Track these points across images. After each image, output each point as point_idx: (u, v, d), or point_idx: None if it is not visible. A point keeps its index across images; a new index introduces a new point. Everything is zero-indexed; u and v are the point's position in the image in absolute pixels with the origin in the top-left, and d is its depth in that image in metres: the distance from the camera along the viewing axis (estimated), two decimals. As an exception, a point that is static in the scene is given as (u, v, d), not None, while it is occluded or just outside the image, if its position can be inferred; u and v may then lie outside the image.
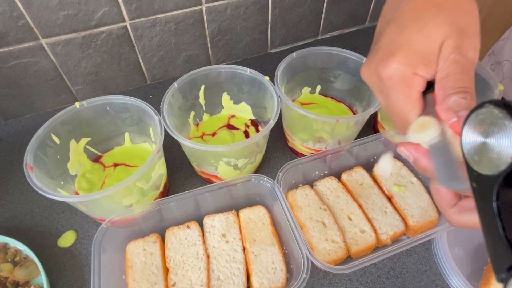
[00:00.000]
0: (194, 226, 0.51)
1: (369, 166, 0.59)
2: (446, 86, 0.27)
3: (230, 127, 0.65)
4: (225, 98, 0.65)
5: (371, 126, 0.70)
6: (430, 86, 0.30)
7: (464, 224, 0.29)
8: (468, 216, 0.28)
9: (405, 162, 0.58)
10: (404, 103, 0.30)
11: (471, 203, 0.28)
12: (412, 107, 0.30)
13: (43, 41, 0.62)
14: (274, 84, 0.55)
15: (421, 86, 0.29)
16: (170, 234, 0.50)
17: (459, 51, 0.28)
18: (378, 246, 0.51)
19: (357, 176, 0.57)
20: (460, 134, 0.25)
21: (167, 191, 0.60)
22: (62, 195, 0.44)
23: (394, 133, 0.57)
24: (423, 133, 0.29)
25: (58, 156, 0.54)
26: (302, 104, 0.69)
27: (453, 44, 0.28)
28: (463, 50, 0.28)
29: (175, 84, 0.56)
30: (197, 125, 0.65)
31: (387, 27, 0.32)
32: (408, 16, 0.30)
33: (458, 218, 0.29)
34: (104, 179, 0.58)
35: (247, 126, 0.65)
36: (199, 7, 0.70)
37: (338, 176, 0.58)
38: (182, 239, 0.50)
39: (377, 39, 0.33)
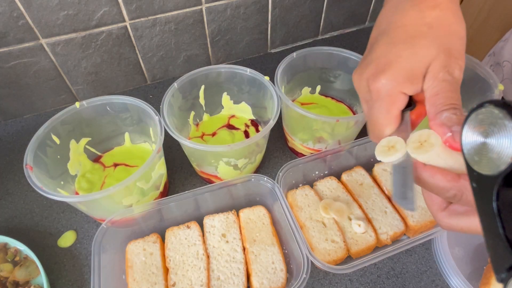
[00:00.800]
0: (194, 226, 0.51)
1: (369, 166, 0.59)
2: (437, 103, 0.29)
3: (230, 127, 0.65)
4: (225, 98, 0.65)
5: (371, 126, 0.70)
6: (409, 104, 0.33)
7: (453, 227, 0.30)
8: (457, 220, 0.30)
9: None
10: (383, 118, 0.32)
11: (460, 208, 0.30)
12: (389, 123, 0.32)
13: (43, 41, 0.62)
14: (274, 84, 0.55)
15: (403, 104, 0.32)
16: (170, 234, 0.50)
17: (447, 70, 0.30)
18: (378, 246, 0.51)
19: (357, 176, 0.57)
20: (454, 148, 0.27)
21: (167, 191, 0.60)
22: (62, 195, 0.44)
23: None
24: (389, 156, 0.31)
25: (58, 156, 0.54)
26: (302, 104, 0.69)
27: (440, 64, 0.30)
28: (450, 69, 0.30)
29: (175, 84, 0.56)
30: (197, 125, 0.65)
31: (380, 40, 0.34)
32: (400, 33, 0.32)
33: (447, 221, 0.30)
34: (104, 179, 0.58)
35: (247, 126, 0.65)
36: (199, 7, 0.70)
37: (338, 176, 0.58)
38: (182, 239, 0.50)
39: (370, 47, 0.35)
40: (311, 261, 0.43)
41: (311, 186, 0.56)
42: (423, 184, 0.30)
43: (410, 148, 0.31)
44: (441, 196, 0.29)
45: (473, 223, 0.28)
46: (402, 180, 0.31)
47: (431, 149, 0.29)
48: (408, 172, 0.31)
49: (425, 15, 0.32)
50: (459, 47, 0.31)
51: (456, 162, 0.30)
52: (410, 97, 0.33)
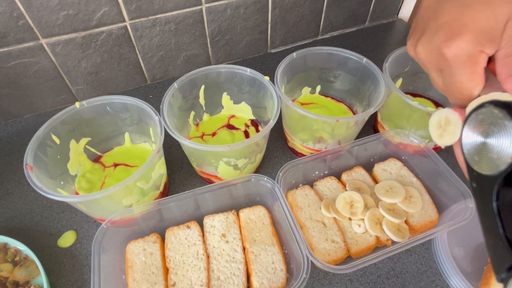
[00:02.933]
0: (194, 226, 0.51)
1: (369, 166, 0.59)
2: (510, 64, 0.28)
3: (230, 127, 0.65)
4: (225, 98, 0.65)
5: (371, 126, 0.70)
6: None
7: None
8: None
9: (405, 162, 0.58)
10: (469, 80, 0.31)
11: None
12: (477, 83, 0.31)
13: (43, 41, 0.62)
14: (274, 84, 0.55)
15: (485, 62, 0.30)
16: (170, 234, 0.50)
17: None
18: (378, 246, 0.51)
19: (357, 176, 0.57)
20: None
21: (167, 191, 0.60)
22: (62, 195, 0.44)
23: (394, 132, 0.57)
24: (447, 139, 0.31)
25: (58, 156, 0.54)
26: (302, 104, 0.69)
27: None
28: None
29: (175, 84, 0.56)
30: (197, 125, 0.65)
31: (446, 5, 0.32)
32: None
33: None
34: (104, 179, 0.58)
35: (247, 126, 0.65)
36: (199, 7, 0.70)
37: (338, 176, 0.58)
38: (182, 239, 0.50)
39: (433, 12, 0.33)
40: (311, 261, 0.43)
41: (311, 186, 0.56)
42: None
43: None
44: None
45: None
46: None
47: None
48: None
49: None
50: None
51: None
52: None
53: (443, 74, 0.33)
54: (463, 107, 0.33)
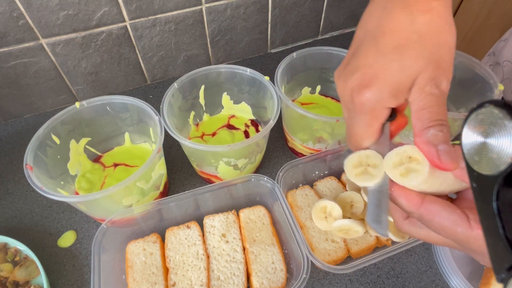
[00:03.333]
0: (194, 226, 0.51)
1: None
2: (423, 118, 0.28)
3: (230, 127, 0.65)
4: (225, 98, 0.65)
5: (371, 126, 0.70)
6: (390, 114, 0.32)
7: (413, 234, 0.32)
8: (416, 229, 0.31)
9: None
10: (363, 131, 0.32)
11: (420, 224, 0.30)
12: (368, 136, 0.32)
13: (43, 41, 0.62)
14: (274, 84, 0.55)
15: (385, 118, 0.31)
16: (170, 234, 0.50)
17: (434, 83, 0.28)
18: (378, 246, 0.51)
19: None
20: (441, 168, 0.27)
21: (167, 191, 0.60)
22: (62, 195, 0.44)
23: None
24: (366, 181, 0.31)
25: (58, 156, 0.54)
26: (302, 104, 0.69)
27: (428, 76, 0.28)
28: (437, 82, 0.28)
29: (175, 84, 0.56)
30: (197, 125, 0.65)
31: (367, 44, 0.32)
32: (388, 40, 0.30)
33: (408, 228, 0.32)
34: (104, 179, 0.58)
35: (247, 126, 0.65)
36: (199, 7, 0.70)
37: (338, 176, 0.58)
38: (182, 239, 0.50)
39: (355, 49, 0.33)
40: (311, 261, 0.43)
41: (311, 186, 0.56)
42: (391, 199, 0.30)
43: (392, 173, 0.29)
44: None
45: (431, 235, 0.30)
46: (377, 202, 0.30)
47: (418, 176, 0.28)
48: (384, 194, 0.30)
49: (415, 21, 0.30)
50: (448, 58, 0.30)
51: (442, 183, 0.30)
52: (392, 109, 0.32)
53: (349, 114, 0.33)
54: (354, 149, 0.34)
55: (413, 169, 0.29)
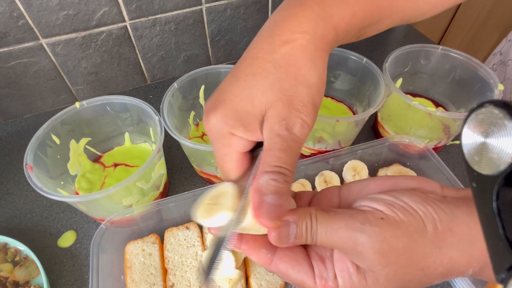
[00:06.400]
0: (193, 227, 0.51)
1: (373, 171, 0.59)
2: (264, 160, 0.25)
3: (230, 127, 0.65)
4: (225, 98, 0.65)
5: (371, 126, 0.70)
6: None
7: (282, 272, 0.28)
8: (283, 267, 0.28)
9: (409, 168, 0.58)
10: (220, 160, 0.29)
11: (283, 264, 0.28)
12: (230, 167, 0.28)
13: (43, 41, 0.62)
14: (274, 84, 0.55)
15: (240, 146, 0.28)
16: (169, 235, 0.50)
17: (285, 124, 0.25)
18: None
19: (358, 178, 0.57)
20: (260, 222, 0.24)
21: (167, 191, 0.60)
22: (62, 195, 0.44)
23: (400, 137, 0.56)
24: (207, 219, 0.27)
25: (58, 156, 0.54)
26: (302, 104, 0.69)
27: (277, 114, 0.25)
28: (289, 123, 0.25)
29: (175, 84, 0.56)
30: (197, 125, 0.65)
31: (230, 71, 0.29)
32: (245, 66, 0.28)
33: (277, 267, 0.28)
34: (104, 179, 0.58)
35: (247, 126, 0.65)
36: (199, 7, 0.70)
37: (339, 177, 0.57)
38: (181, 240, 0.49)
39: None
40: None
41: (313, 187, 0.56)
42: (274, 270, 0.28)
43: (200, 213, 0.26)
44: None
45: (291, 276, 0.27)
46: (216, 249, 0.26)
47: (244, 218, 0.25)
48: (218, 245, 0.26)
49: (275, 50, 0.27)
50: (305, 98, 0.26)
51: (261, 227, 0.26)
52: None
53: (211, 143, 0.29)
54: (226, 179, 0.29)
55: (220, 208, 0.26)
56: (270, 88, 0.26)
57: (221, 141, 0.28)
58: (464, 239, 0.25)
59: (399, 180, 0.29)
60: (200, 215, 0.27)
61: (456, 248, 0.25)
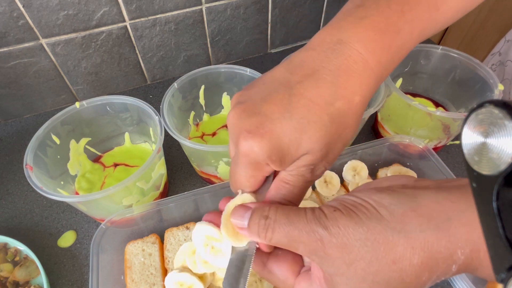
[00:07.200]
0: (193, 227, 0.51)
1: (373, 171, 0.59)
2: (279, 189, 0.28)
3: (230, 127, 0.65)
4: (225, 98, 0.65)
5: (371, 126, 0.70)
6: None
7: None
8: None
9: (409, 168, 0.58)
10: (246, 179, 0.29)
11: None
12: (251, 185, 0.30)
13: (43, 41, 0.62)
14: (274, 84, 0.55)
15: (269, 172, 0.29)
16: (169, 235, 0.50)
17: (311, 169, 0.28)
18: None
19: (358, 178, 0.57)
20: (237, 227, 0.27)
21: (167, 191, 0.60)
22: (62, 195, 0.44)
23: (400, 138, 0.56)
24: (232, 241, 0.29)
25: (58, 156, 0.54)
26: (302, 104, 0.69)
27: (310, 160, 0.27)
28: (315, 168, 0.28)
29: (175, 84, 0.56)
30: (197, 125, 0.65)
31: (283, 94, 0.27)
32: (302, 107, 0.26)
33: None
34: (104, 179, 0.58)
35: (247, 126, 0.65)
36: (199, 7, 0.70)
37: (339, 177, 0.57)
38: (181, 240, 0.49)
39: (271, 89, 0.28)
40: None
41: (313, 188, 0.56)
42: (266, 274, 0.28)
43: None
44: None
45: None
46: (240, 264, 0.28)
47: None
48: (249, 258, 0.28)
49: (333, 103, 0.26)
50: (338, 152, 0.28)
51: None
52: None
53: (234, 156, 0.30)
54: (235, 191, 0.31)
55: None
56: (317, 141, 0.27)
57: (254, 165, 0.28)
58: (435, 217, 0.23)
59: (372, 182, 0.29)
60: (231, 237, 0.29)
61: (427, 228, 0.22)
